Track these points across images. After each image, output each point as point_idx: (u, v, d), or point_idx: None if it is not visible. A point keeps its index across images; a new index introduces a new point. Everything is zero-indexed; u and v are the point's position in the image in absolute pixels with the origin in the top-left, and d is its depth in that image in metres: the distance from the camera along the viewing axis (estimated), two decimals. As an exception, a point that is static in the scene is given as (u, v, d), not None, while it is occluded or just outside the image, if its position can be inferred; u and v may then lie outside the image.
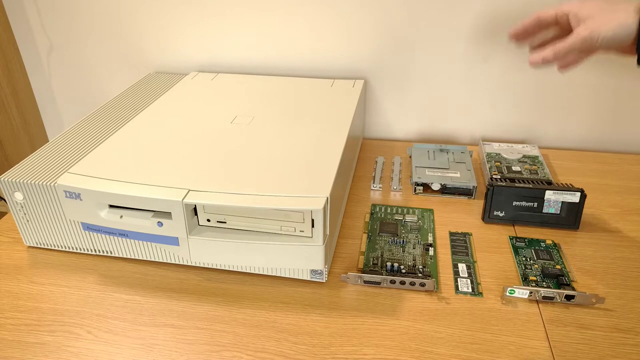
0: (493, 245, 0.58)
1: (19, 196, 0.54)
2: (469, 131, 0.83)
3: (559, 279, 0.52)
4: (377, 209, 0.64)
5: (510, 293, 0.50)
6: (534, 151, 0.74)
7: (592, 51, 0.50)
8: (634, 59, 0.47)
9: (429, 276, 0.52)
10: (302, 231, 0.48)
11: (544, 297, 0.49)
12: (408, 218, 0.62)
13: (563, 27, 0.53)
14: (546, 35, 0.56)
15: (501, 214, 0.60)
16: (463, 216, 0.63)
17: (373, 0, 0.74)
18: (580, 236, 0.59)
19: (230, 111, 0.65)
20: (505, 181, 0.60)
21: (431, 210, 0.64)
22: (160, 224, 0.48)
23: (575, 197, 0.58)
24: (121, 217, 0.49)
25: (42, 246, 0.58)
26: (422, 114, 0.82)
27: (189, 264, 0.54)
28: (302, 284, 0.52)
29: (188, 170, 0.51)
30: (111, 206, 0.50)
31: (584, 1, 0.48)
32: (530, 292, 0.49)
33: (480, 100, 0.79)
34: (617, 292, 0.51)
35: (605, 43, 0.46)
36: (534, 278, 0.52)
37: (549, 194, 0.58)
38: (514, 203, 0.59)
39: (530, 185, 0.59)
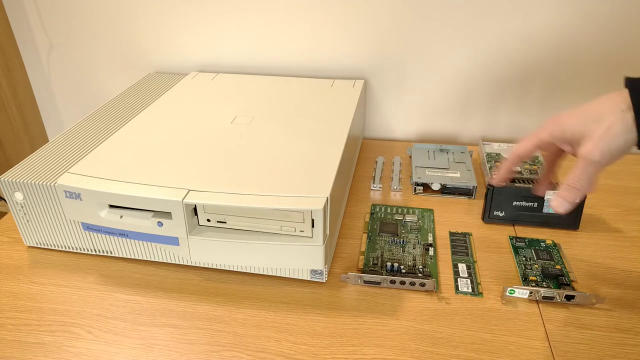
0: (493, 245, 0.58)
1: (19, 196, 0.54)
2: (469, 131, 0.83)
3: (559, 279, 0.52)
4: (377, 209, 0.64)
5: (510, 293, 0.50)
6: (534, 151, 0.74)
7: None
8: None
9: (429, 276, 0.52)
10: (302, 231, 0.48)
11: (544, 297, 0.49)
12: (408, 218, 0.62)
13: (549, 149, 0.48)
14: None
15: (501, 214, 0.60)
16: (463, 216, 0.63)
17: (373, 0, 0.74)
18: (580, 236, 0.59)
19: (230, 111, 0.65)
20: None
21: (431, 210, 0.64)
22: (160, 224, 0.48)
23: (575, 197, 0.58)
24: (121, 217, 0.49)
25: (42, 246, 0.58)
26: (422, 114, 0.82)
27: (189, 264, 0.54)
28: (302, 284, 0.52)
29: (188, 170, 0.51)
30: (111, 206, 0.50)
31: (559, 122, 0.43)
32: (530, 292, 0.49)
33: (480, 100, 0.79)
34: (617, 292, 0.51)
35: (616, 155, 0.41)
36: (534, 278, 0.52)
37: (549, 194, 0.58)
38: (514, 203, 0.59)
39: (530, 185, 0.59)
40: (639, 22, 0.70)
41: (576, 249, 0.57)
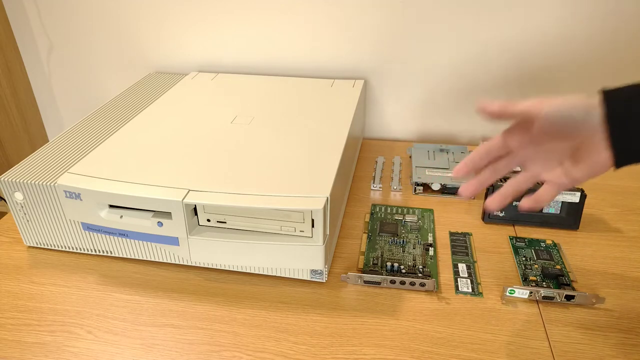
0: (493, 245, 0.58)
1: (19, 196, 0.54)
2: (469, 131, 0.83)
3: (559, 279, 0.52)
4: (377, 209, 0.64)
5: (510, 293, 0.50)
6: (534, 151, 0.74)
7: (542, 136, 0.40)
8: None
9: (429, 276, 0.52)
10: (302, 231, 0.48)
11: (544, 297, 0.49)
12: (408, 218, 0.62)
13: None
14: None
15: (501, 214, 0.60)
16: (463, 216, 0.63)
17: (373, 0, 0.74)
18: (580, 236, 0.59)
19: (230, 111, 0.65)
20: (506, 181, 0.60)
21: (431, 210, 0.64)
22: (160, 224, 0.48)
23: (575, 197, 0.58)
24: (121, 217, 0.49)
25: (42, 246, 0.58)
26: (422, 114, 0.82)
27: (189, 264, 0.54)
28: (302, 284, 0.52)
29: (188, 170, 0.51)
30: (111, 206, 0.50)
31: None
32: (530, 292, 0.49)
33: (481, 100, 0.79)
34: (617, 292, 0.51)
35: (552, 119, 0.37)
36: (534, 278, 0.52)
37: (549, 194, 0.58)
38: (514, 203, 0.59)
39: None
40: (636, 24, 0.70)
41: (576, 249, 0.57)
